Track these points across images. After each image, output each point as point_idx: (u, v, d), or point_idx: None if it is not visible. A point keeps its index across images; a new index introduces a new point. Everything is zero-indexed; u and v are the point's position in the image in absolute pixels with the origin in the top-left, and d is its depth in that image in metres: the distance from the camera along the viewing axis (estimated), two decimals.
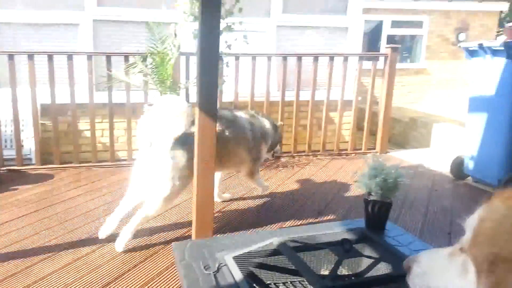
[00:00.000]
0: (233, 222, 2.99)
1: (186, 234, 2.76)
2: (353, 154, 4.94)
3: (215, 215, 3.04)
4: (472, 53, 3.63)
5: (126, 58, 4.19)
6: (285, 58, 4.69)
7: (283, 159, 4.66)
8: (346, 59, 4.80)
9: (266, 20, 5.70)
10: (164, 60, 3.99)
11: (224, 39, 2.84)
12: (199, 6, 2.27)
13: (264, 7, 5.63)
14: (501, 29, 9.27)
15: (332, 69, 4.71)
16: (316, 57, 4.71)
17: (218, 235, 2.65)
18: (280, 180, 3.95)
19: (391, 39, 9.18)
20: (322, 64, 4.85)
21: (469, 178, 3.94)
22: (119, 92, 4.31)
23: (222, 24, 2.71)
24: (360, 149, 5.03)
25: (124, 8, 5.04)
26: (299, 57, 4.68)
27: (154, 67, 4.02)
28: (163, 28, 4.09)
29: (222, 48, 2.81)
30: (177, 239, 2.68)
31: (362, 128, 5.08)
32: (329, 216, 3.09)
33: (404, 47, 9.89)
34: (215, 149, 2.37)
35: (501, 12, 9.69)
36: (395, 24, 9.32)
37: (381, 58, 5.00)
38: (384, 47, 8.14)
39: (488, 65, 3.45)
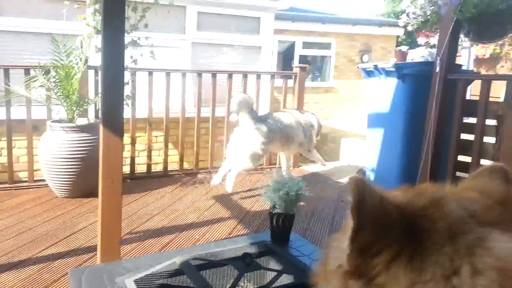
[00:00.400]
0: (145, 243, 2.88)
1: (93, 259, 2.59)
2: (268, 169, 5.08)
3: (125, 236, 2.91)
4: (369, 73, 3.98)
5: (27, 71, 3.88)
6: (199, 74, 4.71)
7: (200, 175, 4.63)
8: (259, 76, 4.96)
9: (181, 36, 5.70)
10: (69, 74, 3.77)
11: (130, 54, 2.78)
12: (101, 20, 2.20)
13: (179, 23, 5.62)
14: None
15: (246, 86, 4.83)
16: (230, 74, 4.80)
17: (124, 259, 2.53)
18: (197, 197, 3.91)
19: (303, 59, 9.71)
20: (237, 81, 4.95)
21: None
22: (20, 107, 3.96)
23: (127, 38, 2.64)
24: (275, 163, 5.19)
25: (24, 18, 4.67)
26: (214, 74, 4.73)
27: (58, 81, 3.77)
28: (68, 41, 3.87)
29: (128, 63, 2.74)
30: (80, 264, 2.51)
31: None
32: (242, 231, 3.12)
33: (315, 67, 10.53)
34: (121, 166, 2.28)
35: (398, 36, 10.81)
36: (306, 45, 9.89)
37: (292, 76, 5.26)
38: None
39: (383, 85, 3.81)
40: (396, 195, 0.49)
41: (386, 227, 0.43)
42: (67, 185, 3.65)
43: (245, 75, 4.87)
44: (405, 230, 0.42)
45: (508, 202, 0.45)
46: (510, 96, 2.85)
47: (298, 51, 9.76)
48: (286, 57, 10.03)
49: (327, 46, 10.07)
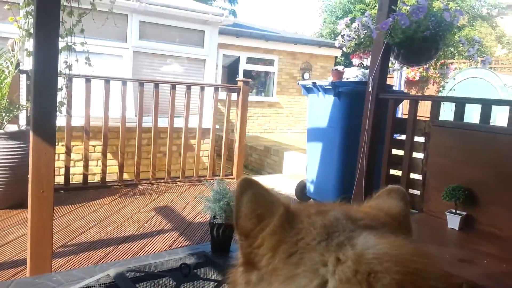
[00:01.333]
0: (80, 256, 2.73)
1: (22, 273, 2.41)
2: (211, 180, 5.06)
3: (59, 250, 2.75)
4: (308, 90, 4.15)
5: None
6: (141, 83, 4.61)
7: (140, 187, 4.50)
8: (203, 88, 4.97)
9: (122, 44, 5.57)
10: None
11: (63, 59, 2.67)
12: (33, 22, 2.11)
13: (120, 31, 5.49)
14: None
15: (189, 97, 4.81)
16: (174, 85, 4.76)
17: (54, 272, 2.39)
18: (136, 208, 3.79)
19: (248, 74, 9.89)
20: (180, 92, 4.92)
21: (311, 200, 4.41)
22: None
23: (62, 43, 2.54)
24: (219, 175, 5.19)
25: None
26: (157, 84, 4.66)
27: None
28: None
29: (61, 68, 2.63)
30: (8, 278, 2.32)
31: (221, 154, 5.26)
32: (184, 243, 3.07)
33: (259, 82, 10.76)
34: (53, 175, 2.17)
35: (337, 57, 11.38)
36: (251, 60, 10.10)
37: (236, 90, 5.33)
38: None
39: (321, 101, 3.98)
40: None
41: (265, 216, 0.49)
42: None
43: (188, 86, 4.86)
44: (284, 221, 0.48)
45: (398, 215, 0.53)
46: (434, 115, 3.12)
47: (243, 65, 9.92)
48: (230, 71, 10.15)
49: (270, 62, 10.35)
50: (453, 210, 2.47)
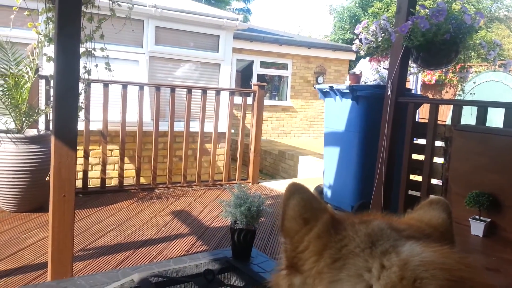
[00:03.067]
0: (99, 260, 2.74)
1: (42, 277, 2.43)
2: (227, 185, 5.05)
3: (78, 253, 2.76)
4: (325, 94, 4.12)
5: None
6: (158, 88, 4.65)
7: (157, 191, 4.52)
8: (218, 93, 4.98)
9: (139, 49, 5.63)
10: (19, 83, 3.59)
11: (83, 65, 2.70)
12: (54, 28, 2.13)
13: (137, 37, 5.55)
14: None
15: (205, 102, 4.83)
16: (189, 90, 4.78)
17: (76, 276, 2.40)
18: (154, 212, 3.80)
19: (261, 78, 9.90)
20: (196, 96, 4.94)
21: (329, 205, 4.37)
22: None
23: (82, 48, 2.57)
24: (234, 179, 5.18)
25: None
26: (173, 89, 4.69)
27: (6, 90, 3.57)
28: (18, 49, 3.70)
29: (81, 73, 2.66)
30: (29, 282, 2.34)
31: (236, 159, 5.26)
32: (202, 247, 3.06)
33: (273, 86, 10.76)
34: (75, 179, 2.19)
35: (351, 60, 11.31)
36: (264, 64, 10.11)
37: (251, 94, 5.33)
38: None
39: (338, 105, 3.95)
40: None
41: (311, 220, 0.50)
42: (15, 199, 3.44)
43: (204, 91, 4.87)
44: (329, 226, 0.49)
45: (439, 226, 0.53)
46: (456, 119, 3.06)
47: (256, 70, 9.93)
48: (244, 75, 10.18)
49: (284, 66, 10.35)
50: (477, 217, 2.41)
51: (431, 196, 0.60)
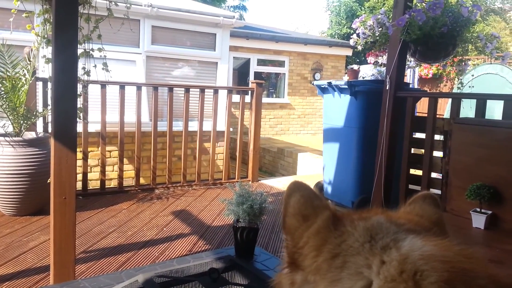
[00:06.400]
0: (101, 261, 2.74)
1: (45, 280, 2.43)
2: (227, 184, 5.05)
3: (80, 255, 2.76)
4: (323, 90, 4.11)
5: None
6: (155, 88, 4.63)
7: (157, 191, 4.51)
8: (216, 91, 4.97)
9: (136, 49, 5.60)
10: (16, 85, 3.57)
11: (81, 65, 2.69)
12: (51, 29, 2.12)
13: (133, 37, 5.53)
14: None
15: (203, 100, 4.82)
16: (187, 89, 4.76)
17: (80, 279, 2.39)
18: (154, 213, 3.80)
19: (258, 76, 9.88)
20: (194, 95, 4.93)
21: (330, 202, 4.37)
22: None
23: (80, 49, 2.56)
24: (234, 178, 5.18)
25: None
26: (171, 88, 4.67)
27: (3, 93, 3.56)
28: (14, 51, 3.68)
29: (79, 74, 2.65)
30: (31, 286, 2.34)
31: (235, 157, 5.25)
32: (204, 247, 3.06)
33: (270, 84, 10.74)
34: (75, 181, 2.18)
35: (347, 56, 11.30)
36: (261, 62, 10.09)
37: (249, 92, 5.32)
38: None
39: (337, 101, 3.95)
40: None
41: (311, 216, 0.51)
42: (14, 202, 3.42)
43: (202, 89, 4.86)
44: (329, 222, 0.49)
45: (437, 221, 0.55)
46: (455, 112, 3.06)
47: (253, 67, 9.91)
48: (241, 73, 10.16)
49: (281, 63, 10.33)
50: (478, 209, 2.42)
51: (423, 191, 0.60)
